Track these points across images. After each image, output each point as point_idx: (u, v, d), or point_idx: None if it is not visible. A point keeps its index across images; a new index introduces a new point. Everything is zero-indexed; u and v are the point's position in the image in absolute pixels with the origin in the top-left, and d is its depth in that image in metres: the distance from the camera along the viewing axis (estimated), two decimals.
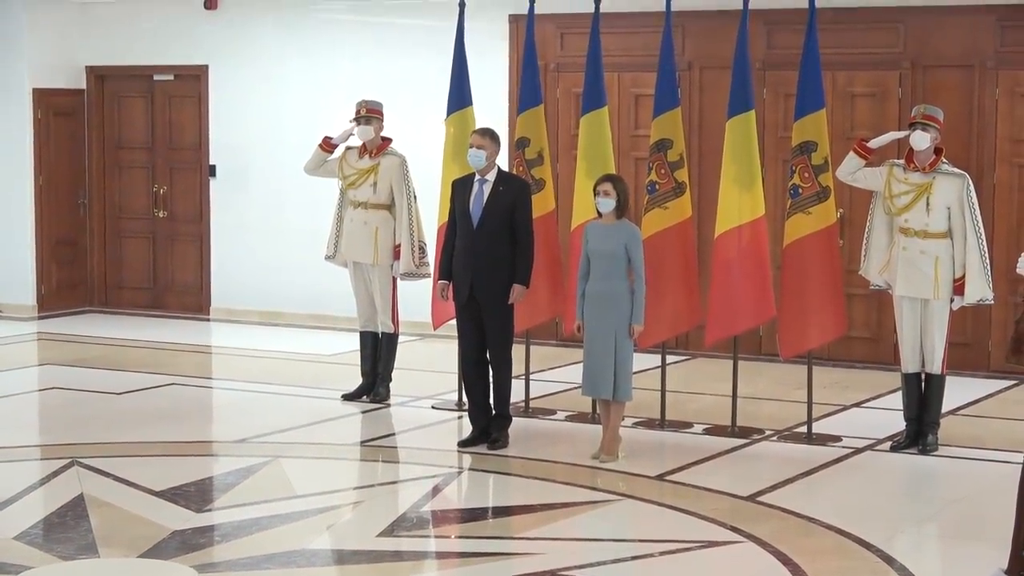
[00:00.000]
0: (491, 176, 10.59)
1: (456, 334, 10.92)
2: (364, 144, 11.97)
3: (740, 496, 9.41)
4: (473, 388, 10.76)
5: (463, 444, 10.71)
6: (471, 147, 10.62)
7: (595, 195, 10.24)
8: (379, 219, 11.91)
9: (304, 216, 15.73)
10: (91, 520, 8.75)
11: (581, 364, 10.40)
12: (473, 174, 10.68)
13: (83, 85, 17.16)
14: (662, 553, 8.35)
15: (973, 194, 10.39)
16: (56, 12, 16.76)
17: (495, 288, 10.50)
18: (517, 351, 10.90)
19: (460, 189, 10.72)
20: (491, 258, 10.49)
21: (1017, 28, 13.29)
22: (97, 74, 17.15)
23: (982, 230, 10.37)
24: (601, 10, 11.45)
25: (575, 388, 11.40)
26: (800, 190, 10.77)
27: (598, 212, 10.27)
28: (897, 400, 11.00)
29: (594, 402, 11.02)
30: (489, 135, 10.64)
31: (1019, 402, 12.43)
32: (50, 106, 16.81)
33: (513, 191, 10.58)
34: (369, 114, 11.91)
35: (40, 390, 13.04)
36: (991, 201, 13.18)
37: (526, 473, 10.08)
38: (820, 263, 10.77)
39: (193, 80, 16.74)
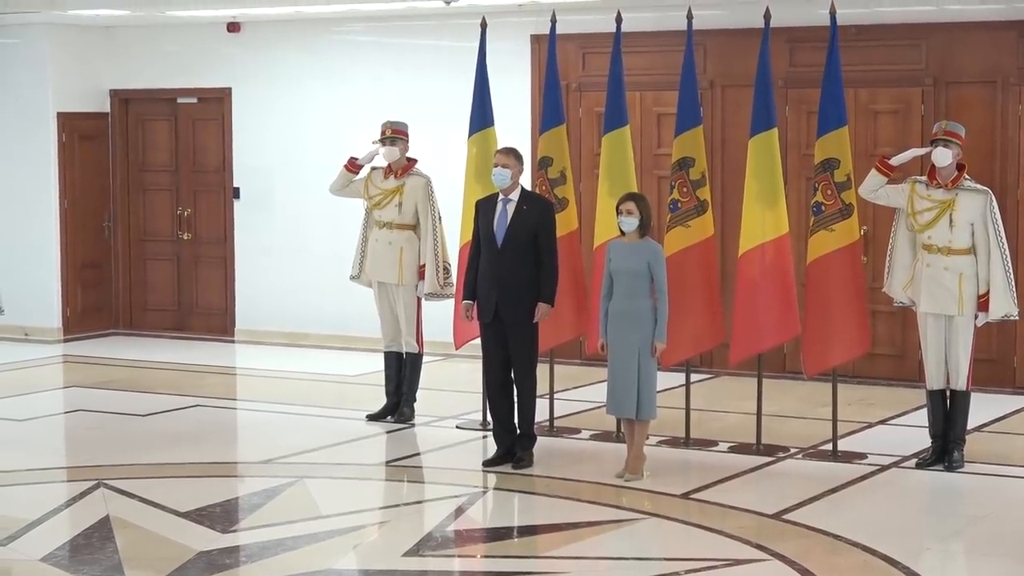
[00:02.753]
0: (515, 196, 10.60)
1: (480, 354, 10.93)
2: (389, 165, 11.99)
3: (766, 514, 9.40)
4: (498, 407, 10.76)
5: (488, 464, 10.71)
6: (496, 166, 10.63)
7: (618, 214, 10.24)
8: (404, 239, 11.93)
9: (328, 237, 15.76)
10: (117, 541, 8.76)
11: (605, 383, 10.41)
12: (496, 194, 10.69)
13: (107, 108, 17.24)
14: (688, 572, 8.33)
15: (996, 210, 10.37)
16: (80, 36, 16.84)
17: (520, 307, 10.50)
18: (541, 370, 10.91)
19: (483, 209, 10.73)
20: (515, 278, 10.49)
21: None
22: (121, 97, 17.22)
23: (1006, 246, 10.35)
24: (623, 29, 11.47)
25: (599, 407, 11.39)
26: (823, 207, 10.76)
27: (621, 231, 10.27)
28: (922, 417, 10.98)
29: (618, 421, 11.01)
30: (513, 154, 10.65)
31: None
32: (74, 130, 16.88)
33: (537, 210, 10.59)
34: (394, 135, 11.94)
35: (66, 412, 13.08)
36: (1015, 217, 13.16)
37: (551, 492, 10.07)
38: (844, 280, 10.75)
39: (216, 103, 16.80)
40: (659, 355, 10.22)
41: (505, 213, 10.56)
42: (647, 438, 10.49)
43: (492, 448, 10.89)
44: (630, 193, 10.56)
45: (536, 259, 10.52)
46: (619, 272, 10.17)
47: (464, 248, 11.44)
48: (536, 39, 14.78)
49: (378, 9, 15.30)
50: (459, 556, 8.91)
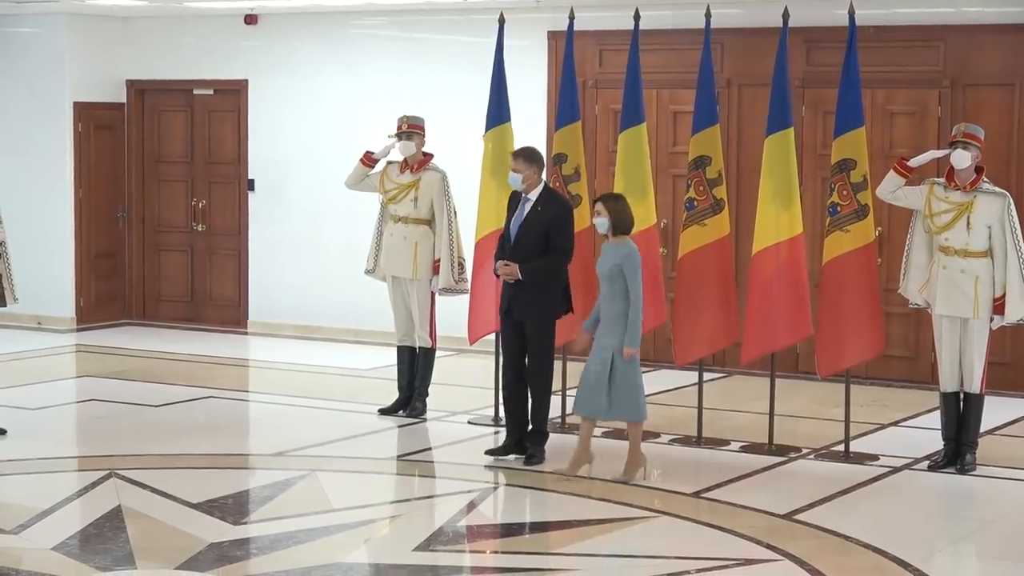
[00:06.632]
0: (533, 195, 10.54)
1: (493, 349, 10.91)
2: (405, 159, 11.99)
3: (777, 514, 9.39)
4: (511, 401, 10.74)
5: (492, 452, 10.68)
6: (511, 170, 10.61)
7: None
8: (419, 234, 11.93)
9: (342, 230, 15.77)
10: (128, 532, 8.77)
11: None
12: None
13: (123, 99, 17.25)
14: (698, 571, 8.32)
15: (1014, 213, 10.34)
16: (97, 26, 16.86)
17: (532, 307, 10.47)
18: (554, 367, 10.89)
19: (511, 205, 10.71)
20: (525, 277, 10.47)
21: None
22: (137, 88, 17.24)
23: (1023, 249, 10.33)
24: (640, 27, 11.46)
25: None
26: (839, 208, 10.74)
27: None
28: (935, 419, 10.97)
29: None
30: (523, 158, 10.54)
31: None
32: (91, 119, 16.90)
33: (551, 211, 10.49)
34: (411, 129, 11.93)
35: (78, 402, 13.10)
36: None
37: (562, 489, 10.06)
38: (858, 281, 10.74)
39: (232, 94, 16.81)
40: (628, 357, 9.97)
41: (522, 212, 10.55)
42: (641, 439, 10.26)
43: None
44: (604, 194, 10.48)
45: None
46: (600, 274, 10.10)
47: (480, 243, 11.54)
48: (553, 35, 14.78)
49: (396, 3, 15.31)
50: (470, 551, 8.92)
